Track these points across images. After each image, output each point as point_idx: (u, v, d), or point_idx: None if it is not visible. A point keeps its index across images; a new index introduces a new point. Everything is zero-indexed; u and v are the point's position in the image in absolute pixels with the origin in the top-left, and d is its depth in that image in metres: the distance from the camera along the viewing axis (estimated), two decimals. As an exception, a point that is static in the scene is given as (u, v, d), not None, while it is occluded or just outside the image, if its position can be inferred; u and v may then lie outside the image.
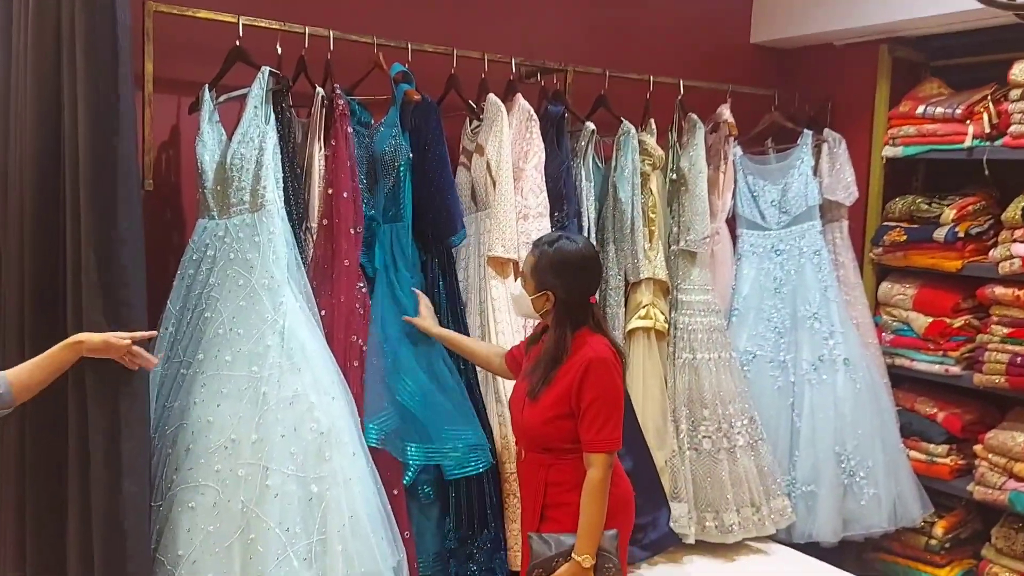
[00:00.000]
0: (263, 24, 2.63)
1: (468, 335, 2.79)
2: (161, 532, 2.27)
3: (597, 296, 3.21)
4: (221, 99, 2.57)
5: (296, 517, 2.21)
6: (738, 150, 3.76)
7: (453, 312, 2.79)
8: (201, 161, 2.50)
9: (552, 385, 2.26)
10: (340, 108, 2.62)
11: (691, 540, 3.20)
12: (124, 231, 1.93)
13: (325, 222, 2.61)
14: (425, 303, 2.65)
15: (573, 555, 2.19)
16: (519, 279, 2.38)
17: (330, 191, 2.58)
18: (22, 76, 2.00)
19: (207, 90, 2.55)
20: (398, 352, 2.63)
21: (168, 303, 2.49)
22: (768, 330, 3.64)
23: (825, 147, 3.78)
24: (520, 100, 2.99)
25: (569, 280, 2.28)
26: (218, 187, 2.49)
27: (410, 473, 2.58)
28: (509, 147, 2.88)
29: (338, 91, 2.65)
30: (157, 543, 2.26)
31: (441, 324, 2.72)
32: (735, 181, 3.70)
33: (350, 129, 2.64)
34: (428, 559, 2.60)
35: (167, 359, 2.45)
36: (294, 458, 2.24)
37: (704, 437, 3.29)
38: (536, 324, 2.51)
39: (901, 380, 3.83)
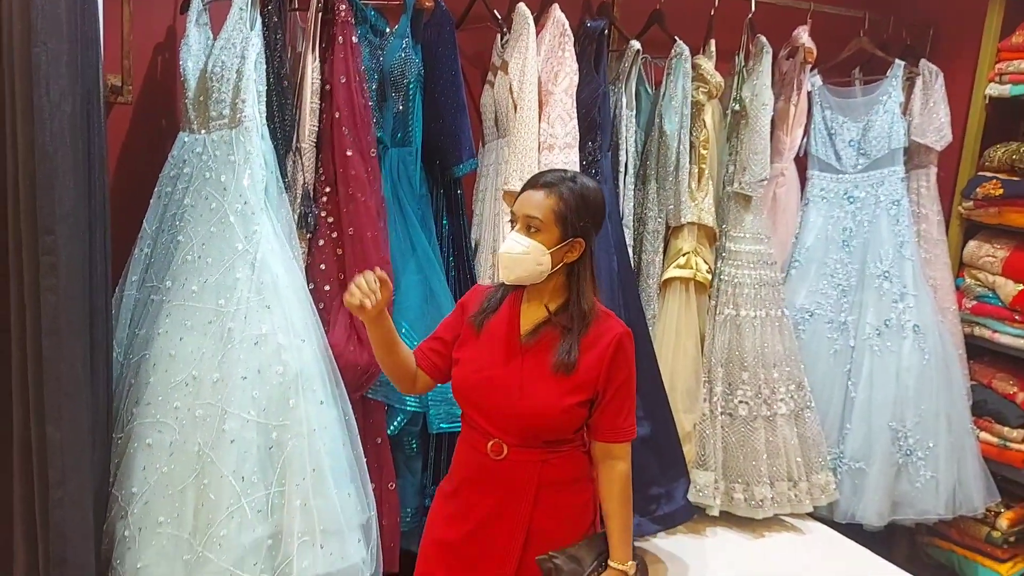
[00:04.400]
0: (261, -87, 2.34)
1: (474, 281, 2.53)
2: (118, 466, 2.14)
3: (632, 239, 2.92)
4: (210, -2, 2.32)
5: (254, 466, 2.04)
6: (817, 80, 3.31)
7: (458, 251, 2.54)
8: (184, 68, 2.28)
9: (572, 370, 1.84)
10: (342, 14, 2.33)
11: (715, 512, 2.94)
12: (43, 164, 1.70)
13: (321, 145, 2.36)
14: (385, 282, 1.85)
15: (612, 563, 1.88)
16: (519, 230, 1.82)
17: (336, 113, 2.31)
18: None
19: (197, -13, 2.31)
20: (399, 292, 2.40)
21: (144, 222, 2.31)
22: (830, 287, 3.26)
23: (919, 81, 3.28)
24: (556, 12, 2.63)
25: (598, 224, 1.87)
26: (200, 98, 2.26)
27: (397, 421, 2.39)
28: (535, 66, 2.54)
29: (343, -7, 2.35)
30: (115, 476, 2.14)
31: (446, 265, 2.46)
32: (809, 116, 3.27)
33: (355, 38, 2.35)
34: (408, 514, 2.42)
35: (140, 282, 2.29)
36: (255, 402, 2.06)
37: (741, 402, 2.98)
38: (490, 289, 1.98)
39: (979, 353, 3.40)
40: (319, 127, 2.34)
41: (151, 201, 2.31)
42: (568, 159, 2.58)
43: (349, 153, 2.29)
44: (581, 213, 1.80)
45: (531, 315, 1.88)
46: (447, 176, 2.52)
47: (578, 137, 2.61)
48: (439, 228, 2.52)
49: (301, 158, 2.33)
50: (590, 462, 1.93)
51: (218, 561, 2.02)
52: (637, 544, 2.77)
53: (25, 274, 1.76)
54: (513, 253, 1.81)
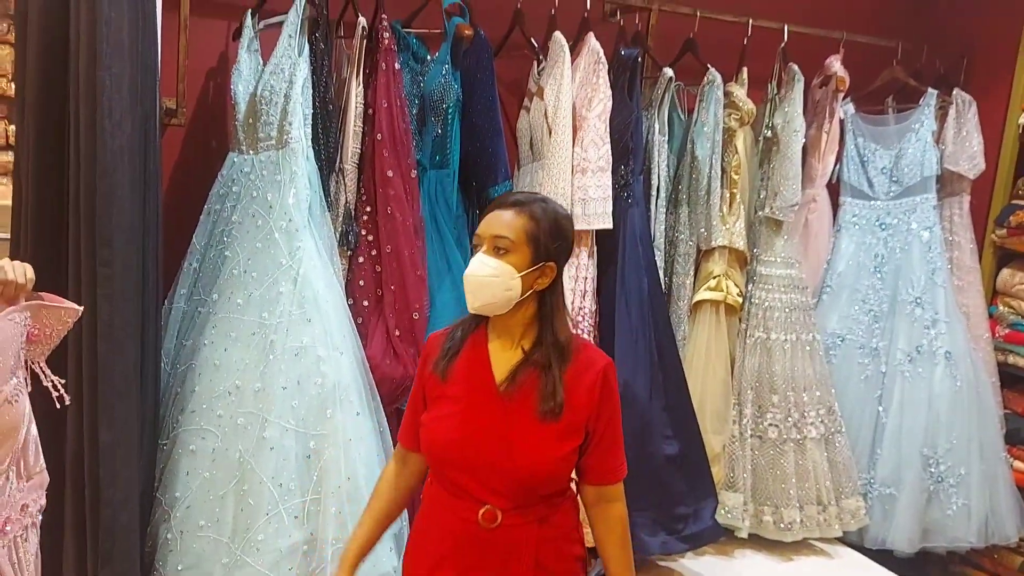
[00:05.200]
0: (309, -53, 2.46)
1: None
2: (163, 472, 2.23)
3: (663, 261, 2.97)
4: (261, 26, 2.44)
5: (291, 473, 2.13)
6: (850, 108, 3.35)
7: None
8: (235, 92, 2.39)
9: (560, 413, 1.64)
10: (386, 42, 2.43)
11: (744, 534, 2.95)
12: (103, 180, 1.81)
13: (363, 167, 2.46)
14: None
15: None
16: (486, 251, 1.63)
17: (378, 135, 2.41)
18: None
19: (249, 16, 2.42)
20: (435, 309, 2.48)
21: (194, 238, 2.42)
22: (862, 312, 3.27)
23: (952, 110, 3.30)
24: (591, 41, 2.71)
25: (568, 251, 1.71)
26: (249, 120, 2.38)
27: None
28: (569, 92, 2.62)
29: (385, 22, 2.45)
30: (159, 481, 2.23)
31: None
32: (842, 143, 3.31)
33: (397, 65, 2.46)
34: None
35: (188, 295, 2.39)
36: (295, 412, 2.14)
37: (771, 425, 3.00)
38: (447, 330, 1.77)
39: (1013, 381, 3.37)
40: (361, 149, 2.44)
41: (200, 218, 2.42)
42: (601, 182, 2.65)
43: (390, 174, 2.38)
44: (554, 235, 1.65)
45: (504, 356, 1.67)
46: (483, 197, 2.60)
47: (611, 161, 2.68)
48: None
49: (344, 178, 2.43)
50: (578, 506, 1.77)
51: (255, 565, 2.09)
52: (663, 563, 2.81)
53: (83, 283, 1.87)
54: (480, 275, 1.62)
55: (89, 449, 1.92)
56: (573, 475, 1.74)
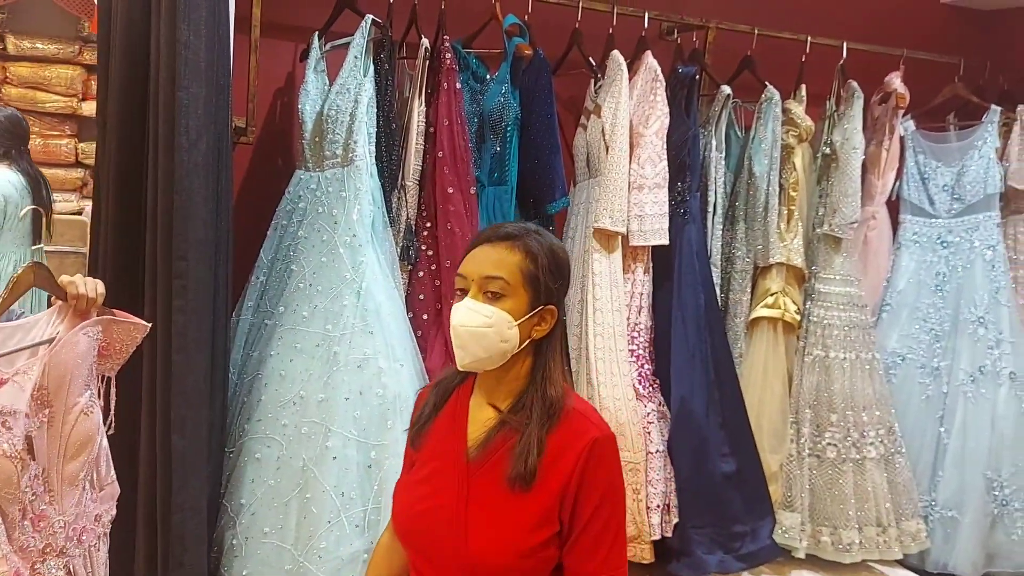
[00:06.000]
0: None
1: (563, 314, 2.62)
2: (229, 479, 2.29)
3: (719, 278, 2.96)
4: (327, 47, 2.51)
5: (353, 482, 2.17)
6: (910, 125, 3.32)
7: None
8: (302, 111, 2.46)
9: (532, 482, 1.32)
10: (448, 62, 2.49)
11: (801, 554, 2.91)
12: (179, 196, 1.89)
13: (424, 184, 2.51)
14: None
15: None
16: (474, 294, 1.35)
17: (440, 153, 2.46)
18: (118, 16, 2.00)
19: (316, 37, 2.50)
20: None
21: (261, 252, 2.50)
22: (923, 332, 3.22)
23: (1016, 126, 3.25)
24: (648, 59, 2.74)
25: (567, 289, 1.43)
26: (316, 139, 2.45)
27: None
28: (627, 110, 2.65)
29: (448, 43, 2.51)
30: (225, 488, 2.29)
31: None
32: (902, 160, 3.27)
33: (459, 84, 2.51)
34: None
35: (255, 308, 2.46)
36: (357, 422, 2.19)
37: (829, 444, 2.96)
38: (435, 383, 1.51)
39: (1082, 404, 3.28)
40: (422, 166, 2.50)
41: (268, 233, 2.49)
42: (658, 198, 2.67)
43: (450, 191, 2.43)
44: (554, 273, 1.37)
45: (483, 416, 1.40)
46: (540, 213, 2.63)
47: (668, 178, 2.70)
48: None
49: (405, 195, 2.49)
50: None
51: (317, 572, 2.14)
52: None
53: (159, 295, 1.95)
54: (471, 326, 1.33)
55: (161, 456, 1.98)
56: None
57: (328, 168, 2.40)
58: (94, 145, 5.41)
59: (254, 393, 2.33)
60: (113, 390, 1.67)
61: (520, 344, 1.34)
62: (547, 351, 1.38)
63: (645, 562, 2.58)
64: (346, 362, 2.24)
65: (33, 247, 3.34)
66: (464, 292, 1.37)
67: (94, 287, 1.60)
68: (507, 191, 2.60)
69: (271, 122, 2.72)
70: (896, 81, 3.14)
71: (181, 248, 1.89)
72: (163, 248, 1.91)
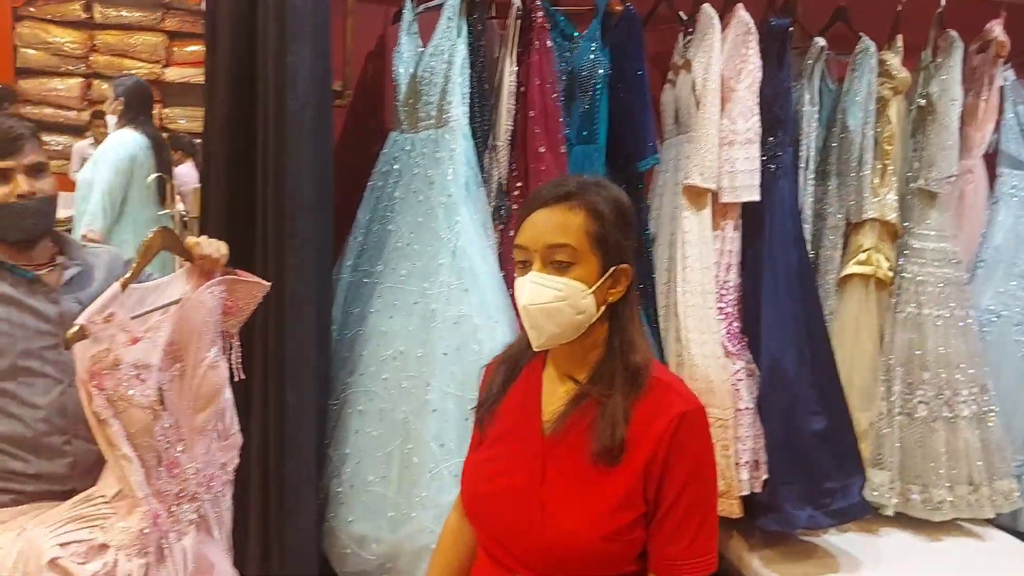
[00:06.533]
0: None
1: (651, 269, 2.64)
2: (334, 430, 2.39)
3: (810, 234, 2.92)
4: (420, 9, 2.54)
5: (452, 434, 2.24)
6: (1010, 75, 3.20)
7: (638, 243, 2.64)
8: (396, 73, 2.50)
9: (619, 457, 1.24)
10: (539, 21, 2.50)
11: (890, 512, 2.91)
12: (290, 158, 1.95)
13: (515, 143, 2.54)
14: None
15: None
16: (539, 268, 1.26)
17: (531, 112, 2.48)
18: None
19: (408, 0, 2.53)
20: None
21: (359, 213, 2.57)
22: (1019, 288, 3.16)
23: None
24: (740, 11, 2.69)
25: (638, 239, 1.35)
26: (409, 100, 2.49)
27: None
28: (719, 64, 2.62)
29: (538, 2, 2.52)
30: (330, 439, 2.40)
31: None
32: (1001, 112, 3.16)
33: (549, 43, 2.52)
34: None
35: (353, 267, 2.54)
36: (454, 377, 2.26)
37: (920, 402, 2.93)
38: (503, 357, 1.44)
39: None
40: (513, 126, 2.52)
41: (364, 194, 2.56)
42: (749, 154, 2.64)
43: (541, 150, 2.45)
44: (623, 228, 1.27)
45: (559, 390, 1.32)
46: (630, 171, 2.64)
47: (760, 133, 2.66)
48: (622, 221, 2.64)
49: (496, 155, 2.52)
50: None
51: (419, 519, 2.22)
52: (806, 539, 2.81)
53: (270, 255, 2.03)
54: (541, 303, 1.24)
55: (274, 409, 2.09)
56: None
57: (422, 130, 2.45)
58: (176, 111, 5.62)
59: (356, 348, 2.42)
60: (236, 346, 1.76)
61: (597, 312, 1.25)
62: (623, 314, 1.28)
63: (734, 517, 2.61)
64: (443, 319, 2.30)
65: (160, 212, 3.52)
66: (526, 265, 1.27)
67: (218, 248, 1.69)
68: (596, 149, 2.61)
69: (363, 85, 2.77)
70: (997, 29, 3.03)
71: (292, 209, 1.96)
72: (275, 209, 1.99)
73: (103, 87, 7.26)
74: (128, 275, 1.64)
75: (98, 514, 1.61)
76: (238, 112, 2.06)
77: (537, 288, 1.24)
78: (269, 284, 1.75)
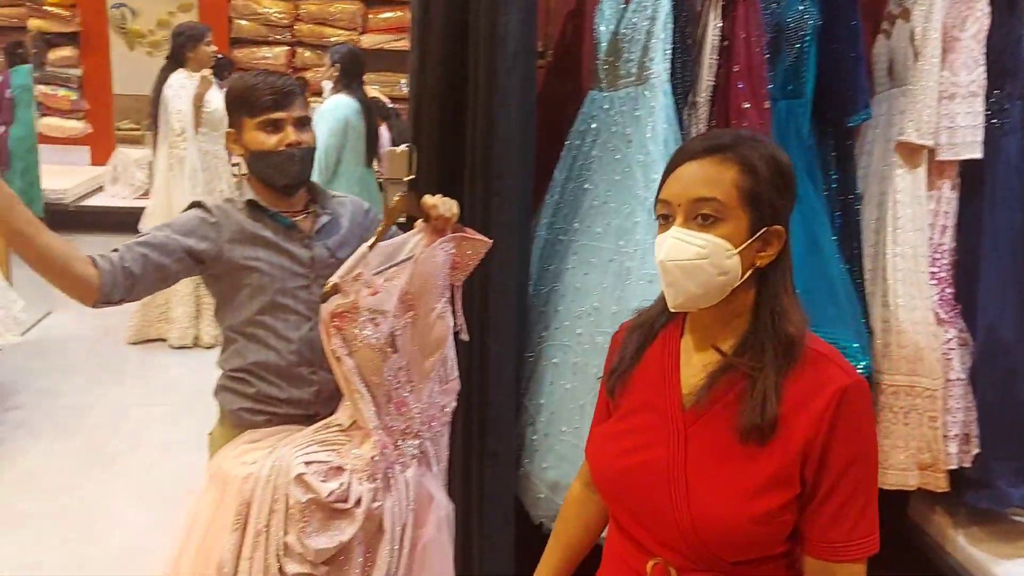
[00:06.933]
0: None
1: (858, 230, 2.53)
2: (529, 381, 2.48)
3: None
4: (621, -35, 2.53)
5: (643, 392, 2.27)
6: None
7: (844, 205, 2.54)
8: (597, 31, 2.51)
9: (771, 435, 1.16)
10: (745, -29, 2.43)
11: None
12: (499, 117, 2.01)
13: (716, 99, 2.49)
14: None
15: None
16: (682, 223, 1.19)
17: (734, 67, 2.42)
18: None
19: (610, -44, 2.53)
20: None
21: (555, 172, 2.61)
22: None
23: None
24: (966, -47, 2.50)
25: (793, 205, 1.24)
26: (610, 57, 2.49)
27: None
28: (941, 11, 2.44)
29: (744, -48, 2.44)
30: (526, 390, 2.49)
31: (830, 218, 2.49)
32: None
33: (755, -6, 2.45)
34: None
35: (549, 225, 2.60)
36: (649, 334, 2.28)
37: None
38: (631, 326, 1.35)
39: None
40: (715, 82, 2.47)
41: (561, 153, 2.60)
42: (972, 108, 2.46)
43: (745, 106, 2.39)
44: (779, 187, 1.18)
45: (699, 360, 1.24)
46: (838, 127, 2.53)
47: (984, 85, 2.48)
48: (828, 179, 2.54)
49: (696, 112, 2.48)
50: None
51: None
52: (1017, 519, 2.64)
53: (478, 213, 2.12)
54: (681, 260, 1.17)
55: (479, 358, 2.19)
56: None
57: (622, 87, 2.45)
58: (371, 76, 5.87)
59: (551, 303, 2.49)
60: (459, 297, 1.89)
61: (742, 275, 1.17)
62: (775, 280, 1.19)
63: (939, 491, 2.50)
64: (638, 277, 2.32)
65: (366, 168, 3.77)
66: (668, 220, 1.20)
67: (451, 208, 1.82)
68: (802, 104, 2.51)
69: (562, 44, 2.80)
70: None
71: (499, 168, 2.04)
72: (483, 169, 2.07)
73: (305, 55, 7.74)
74: (374, 238, 1.83)
75: (336, 440, 1.81)
76: (449, 75, 2.15)
77: (677, 244, 1.18)
78: (491, 241, 1.86)
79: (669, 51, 2.38)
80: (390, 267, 1.78)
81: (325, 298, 1.75)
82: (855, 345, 2.37)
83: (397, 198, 1.82)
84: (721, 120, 2.48)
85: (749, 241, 1.16)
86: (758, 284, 1.20)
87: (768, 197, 1.17)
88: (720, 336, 1.22)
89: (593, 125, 2.52)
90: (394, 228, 1.92)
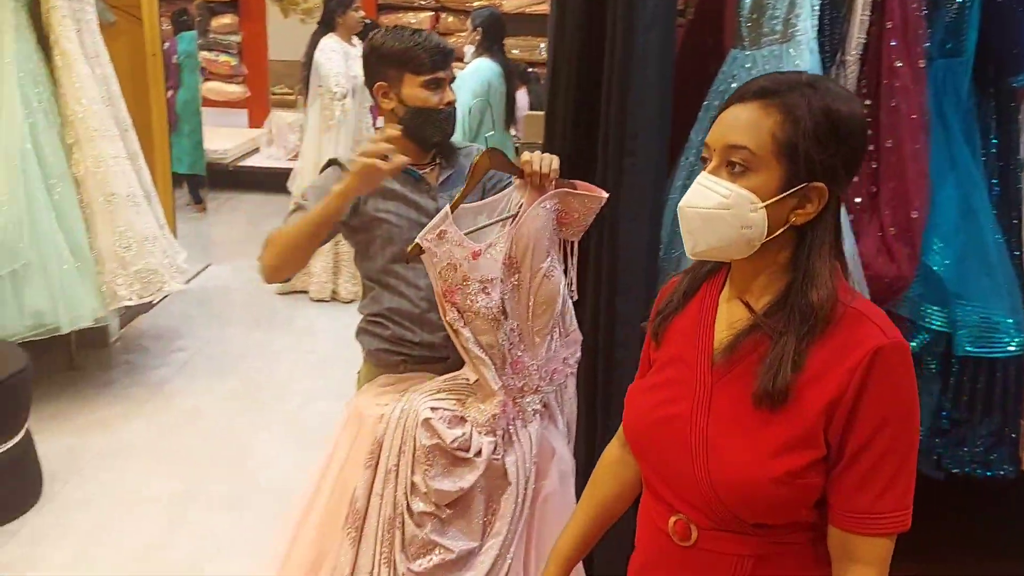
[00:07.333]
0: None
1: (1019, 199, 2.36)
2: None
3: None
4: (768, -82, 2.44)
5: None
6: None
7: (1003, 172, 2.38)
8: (743, -14, 2.45)
9: (795, 394, 1.10)
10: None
11: None
12: (634, 77, 1.99)
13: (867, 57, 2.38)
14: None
15: None
16: (712, 169, 1.15)
17: (888, 24, 2.30)
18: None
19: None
20: (934, 207, 2.36)
21: (691, 133, 2.56)
22: None
23: None
24: None
25: (855, 162, 1.14)
26: (754, 15, 2.41)
27: (920, 338, 2.38)
28: None
29: None
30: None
31: (987, 184, 2.34)
32: None
33: (916, -54, 2.31)
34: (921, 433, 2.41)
35: (683, 188, 2.55)
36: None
37: None
38: (674, 281, 1.32)
39: None
40: (866, 39, 2.36)
41: (699, 114, 2.55)
42: None
43: (898, 64, 2.27)
44: (825, 140, 1.09)
45: (734, 316, 1.19)
46: (1001, 87, 2.36)
47: None
48: (987, 143, 2.38)
49: (845, 71, 2.38)
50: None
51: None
52: None
53: (609, 170, 2.12)
54: (700, 207, 1.12)
55: (606, 315, 2.21)
56: None
57: (765, 46, 2.37)
58: (511, 40, 5.93)
59: (681, 267, 2.46)
60: (575, 254, 1.89)
61: (772, 232, 1.10)
62: (812, 242, 1.11)
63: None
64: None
65: (504, 132, 3.84)
66: (705, 164, 1.16)
67: (548, 163, 1.79)
68: (962, 63, 2.36)
69: (704, 2, 2.73)
70: None
71: (633, 127, 2.03)
72: (616, 127, 2.07)
73: (448, 20, 7.87)
74: (457, 197, 1.83)
75: (462, 392, 1.86)
76: (587, 33, 2.15)
77: (701, 190, 1.13)
78: (606, 196, 1.83)
79: (817, 6, 2.28)
80: (484, 226, 1.79)
81: (409, 259, 1.77)
82: (1009, 321, 2.23)
83: (479, 155, 1.81)
84: (872, 80, 2.37)
85: (781, 196, 1.10)
86: (796, 243, 1.14)
87: (807, 150, 1.09)
88: (755, 293, 1.17)
89: (733, 85, 2.45)
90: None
